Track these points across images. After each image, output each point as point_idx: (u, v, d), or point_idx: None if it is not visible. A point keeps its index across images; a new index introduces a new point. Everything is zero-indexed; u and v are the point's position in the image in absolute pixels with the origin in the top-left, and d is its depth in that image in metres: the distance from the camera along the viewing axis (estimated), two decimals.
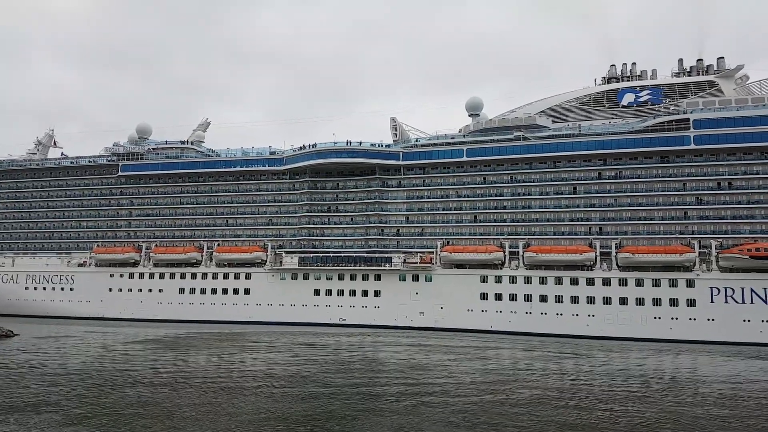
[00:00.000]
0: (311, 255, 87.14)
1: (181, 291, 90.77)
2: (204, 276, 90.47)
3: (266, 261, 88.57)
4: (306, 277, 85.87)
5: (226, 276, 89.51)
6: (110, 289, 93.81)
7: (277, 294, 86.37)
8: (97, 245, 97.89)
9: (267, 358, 50.65)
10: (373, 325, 79.98)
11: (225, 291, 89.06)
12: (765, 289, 67.47)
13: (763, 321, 66.99)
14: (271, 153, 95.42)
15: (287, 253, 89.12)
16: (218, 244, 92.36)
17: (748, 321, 67.44)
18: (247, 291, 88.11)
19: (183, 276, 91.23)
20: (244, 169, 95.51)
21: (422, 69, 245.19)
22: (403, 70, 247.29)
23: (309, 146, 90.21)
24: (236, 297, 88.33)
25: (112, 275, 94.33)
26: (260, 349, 57.47)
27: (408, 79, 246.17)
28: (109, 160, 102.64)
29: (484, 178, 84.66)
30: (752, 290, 68.08)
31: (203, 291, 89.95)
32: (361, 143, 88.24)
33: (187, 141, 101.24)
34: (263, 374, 41.57)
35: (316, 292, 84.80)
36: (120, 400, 31.61)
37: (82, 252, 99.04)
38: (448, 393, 34.37)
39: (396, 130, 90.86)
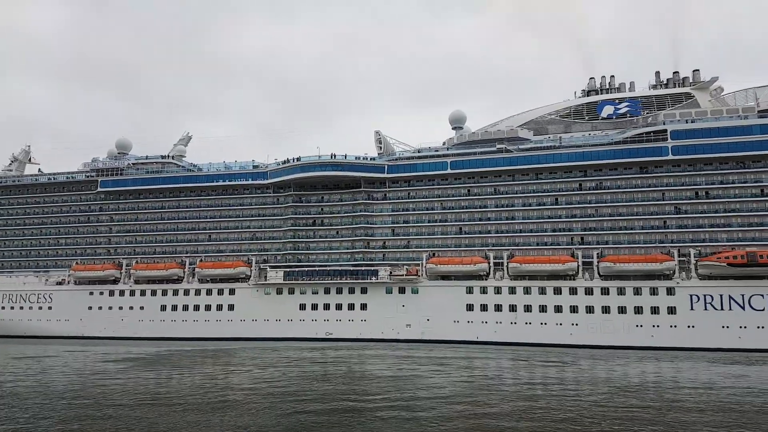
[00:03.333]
0: (296, 269, 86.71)
1: (163, 308, 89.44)
2: (186, 292, 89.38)
3: (250, 276, 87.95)
4: (291, 291, 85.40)
5: (209, 292, 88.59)
6: (90, 308, 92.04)
7: (262, 309, 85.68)
8: (76, 263, 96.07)
9: (252, 375, 49.95)
10: (360, 338, 79.71)
11: (208, 307, 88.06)
12: (742, 295, 69.18)
13: (740, 327, 68.57)
14: (255, 167, 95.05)
15: (272, 267, 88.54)
16: (201, 260, 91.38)
17: (727, 327, 69.02)
18: (231, 307, 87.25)
19: (165, 293, 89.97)
20: (226, 183, 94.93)
21: (405, 82, 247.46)
22: (385, 83, 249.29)
23: (293, 160, 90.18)
24: (220, 313, 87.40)
25: (91, 293, 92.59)
26: (245, 366, 56.75)
27: (390, 93, 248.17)
28: (88, 176, 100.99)
29: (468, 190, 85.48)
30: (730, 297, 69.73)
31: (185, 308, 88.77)
32: (346, 156, 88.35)
33: (168, 155, 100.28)
34: (248, 391, 40.95)
35: (302, 307, 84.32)
36: (98, 422, 30.88)
37: (60, 270, 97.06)
38: (437, 407, 34.24)
39: (380, 143, 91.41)
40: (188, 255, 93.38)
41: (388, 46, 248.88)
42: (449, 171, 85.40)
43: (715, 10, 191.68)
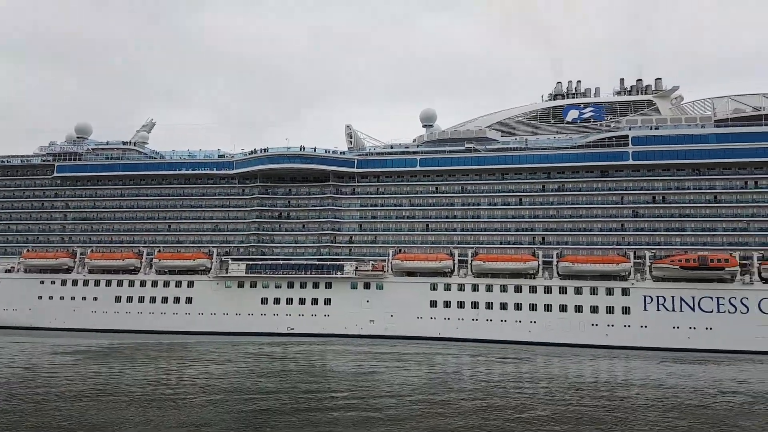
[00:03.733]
0: (259, 262, 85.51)
1: (118, 299, 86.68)
2: (143, 284, 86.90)
3: (211, 268, 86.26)
4: (253, 285, 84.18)
5: (166, 284, 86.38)
6: (40, 297, 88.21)
7: (222, 303, 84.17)
8: (27, 250, 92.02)
9: (207, 370, 48.85)
10: (323, 334, 79.31)
11: (165, 300, 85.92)
12: (693, 297, 72.22)
13: (690, 328, 71.55)
14: (220, 156, 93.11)
15: (234, 260, 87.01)
16: (159, 251, 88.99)
17: (678, 328, 71.90)
18: (189, 300, 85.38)
19: (120, 283, 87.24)
20: (190, 172, 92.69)
21: (377, 78, 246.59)
22: (357, 78, 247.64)
23: (261, 150, 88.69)
24: (177, 306, 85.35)
25: (42, 282, 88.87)
26: (201, 361, 55.55)
27: (362, 88, 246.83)
28: (44, 160, 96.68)
29: (437, 188, 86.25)
30: (681, 299, 72.70)
31: (141, 299, 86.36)
32: (315, 149, 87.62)
33: (130, 142, 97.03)
34: (201, 386, 39.98)
35: (264, 301, 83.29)
36: (45, 416, 29.78)
37: (9, 257, 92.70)
38: (395, 406, 33.84)
39: (351, 137, 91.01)
40: (146, 245, 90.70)
41: (363, 40, 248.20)
42: (418, 168, 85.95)
43: (679, 21, 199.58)
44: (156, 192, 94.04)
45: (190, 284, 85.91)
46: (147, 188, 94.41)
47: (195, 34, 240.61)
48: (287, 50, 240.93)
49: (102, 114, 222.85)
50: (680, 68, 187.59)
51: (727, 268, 71.48)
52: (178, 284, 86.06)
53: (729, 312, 71.10)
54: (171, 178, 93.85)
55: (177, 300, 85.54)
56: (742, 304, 71.06)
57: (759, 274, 71.87)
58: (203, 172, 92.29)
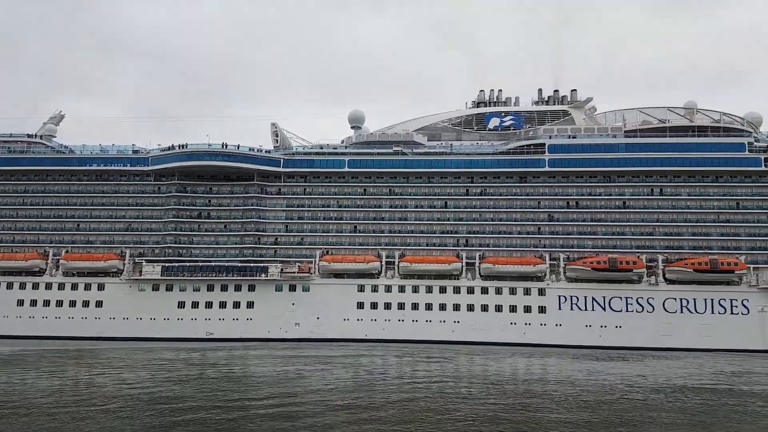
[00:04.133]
0: (177, 264, 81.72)
1: (20, 303, 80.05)
2: (48, 286, 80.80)
3: (123, 270, 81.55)
4: (170, 288, 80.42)
5: (74, 286, 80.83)
6: None
7: (136, 307, 79.79)
8: None
9: (119, 378, 45.73)
10: (245, 338, 77.00)
11: (73, 303, 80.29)
12: (604, 297, 76.79)
13: (602, 326, 75.97)
14: (135, 152, 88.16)
15: (148, 261, 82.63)
16: (67, 251, 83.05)
17: (590, 326, 76.13)
18: (99, 303, 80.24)
19: (23, 286, 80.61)
20: (101, 168, 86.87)
21: (304, 77, 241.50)
22: (283, 76, 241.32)
23: (179, 147, 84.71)
24: (86, 310, 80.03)
25: None
26: (112, 368, 52.10)
27: (289, 86, 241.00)
28: None
29: (365, 190, 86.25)
30: (593, 298, 77.11)
31: (47, 303, 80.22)
32: (238, 147, 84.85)
33: (36, 135, 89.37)
34: (112, 395, 37.34)
35: (181, 305, 79.75)
36: None
37: None
38: (318, 413, 32.87)
39: (277, 136, 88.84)
40: (53, 245, 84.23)
41: (291, 38, 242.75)
42: (347, 169, 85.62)
43: (595, 34, 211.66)
44: (64, 189, 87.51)
45: (101, 287, 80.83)
46: (54, 184, 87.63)
47: (108, 23, 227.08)
48: (206, 43, 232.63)
49: (6, 105, 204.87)
50: (594, 80, 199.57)
51: (635, 270, 76.50)
52: (88, 287, 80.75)
53: (637, 311, 76.03)
54: (81, 174, 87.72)
55: (86, 304, 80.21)
56: (649, 303, 76.20)
57: (664, 275, 77.28)
58: (116, 168, 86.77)
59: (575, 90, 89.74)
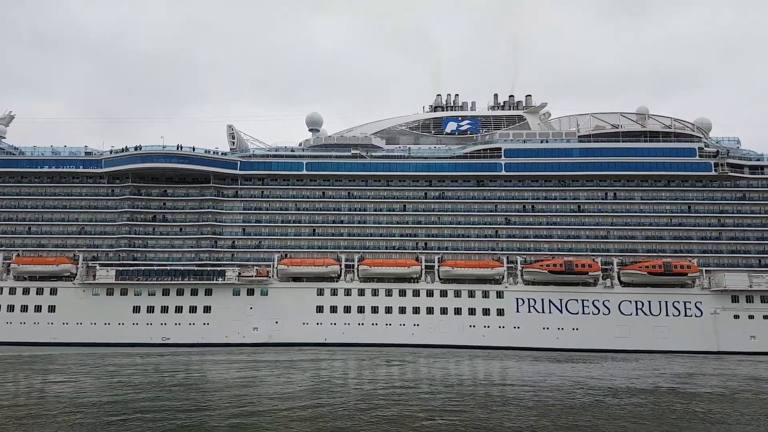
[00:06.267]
0: (131, 268, 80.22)
1: None
2: None
3: (76, 274, 79.72)
4: (124, 292, 78.87)
5: (26, 291, 78.79)
6: None
7: (89, 311, 78.05)
8: None
9: (69, 385, 44.54)
10: (202, 343, 75.98)
11: (24, 308, 78.20)
12: (561, 300, 77.85)
13: (559, 329, 77.00)
14: (87, 153, 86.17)
15: (102, 265, 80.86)
16: (18, 255, 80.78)
17: (547, 329, 77.11)
18: (51, 308, 78.31)
19: None
20: (53, 170, 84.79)
21: (258, 78, 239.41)
22: (238, 77, 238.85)
23: (133, 149, 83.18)
24: (38, 315, 78.04)
25: None
26: (63, 374, 50.79)
27: (243, 88, 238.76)
28: None
29: (323, 193, 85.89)
30: (550, 301, 78.11)
31: None
32: (194, 149, 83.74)
33: None
34: (61, 402, 36.43)
35: (136, 309, 78.28)
36: None
37: None
38: (275, 422, 31.98)
39: (233, 138, 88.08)
40: (3, 248, 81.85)
41: (245, 38, 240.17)
42: (305, 172, 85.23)
43: (549, 40, 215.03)
44: (14, 191, 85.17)
45: (53, 291, 78.90)
46: (4, 186, 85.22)
47: (60, 21, 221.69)
48: (163, 44, 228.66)
49: None
50: (548, 85, 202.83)
51: (590, 273, 77.83)
52: (40, 291, 78.77)
53: (593, 314, 77.28)
54: (32, 176, 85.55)
55: (38, 309, 78.27)
56: (604, 306, 77.53)
57: (618, 278, 78.77)
58: (68, 170, 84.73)
59: (530, 95, 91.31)
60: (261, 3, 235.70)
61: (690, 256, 79.84)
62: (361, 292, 78.88)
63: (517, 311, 77.90)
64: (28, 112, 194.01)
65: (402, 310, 78.31)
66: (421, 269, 79.83)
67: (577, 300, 77.71)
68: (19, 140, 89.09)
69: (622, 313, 77.25)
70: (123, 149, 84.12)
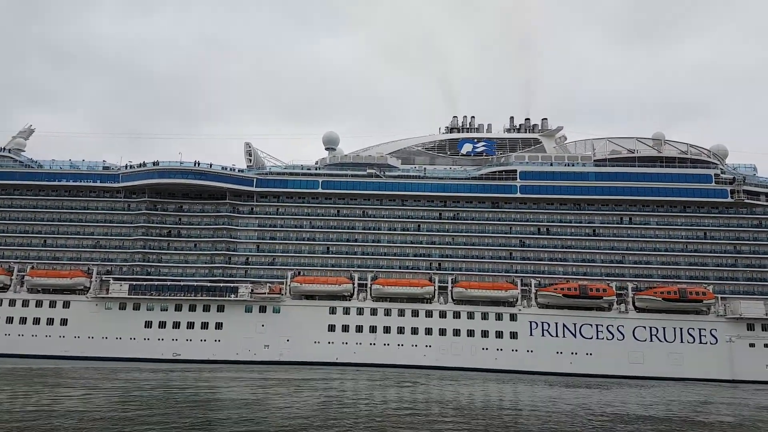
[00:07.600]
0: (144, 283, 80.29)
1: None
2: (12, 303, 78.94)
3: (89, 288, 79.90)
4: (137, 307, 78.91)
5: (39, 304, 79.06)
6: None
7: (100, 325, 78.08)
8: None
9: (80, 399, 44.20)
10: (213, 360, 75.64)
11: (37, 321, 78.39)
12: (575, 324, 77.05)
13: (572, 353, 76.05)
14: (105, 168, 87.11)
15: (116, 279, 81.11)
16: (32, 267, 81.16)
17: (561, 353, 76.17)
18: (64, 321, 78.43)
19: None
20: (71, 183, 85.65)
21: (276, 97, 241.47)
22: (255, 95, 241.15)
23: (151, 164, 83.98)
24: (50, 328, 78.15)
25: None
26: (73, 388, 50.52)
27: (260, 106, 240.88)
28: None
29: (338, 211, 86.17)
30: (564, 325, 77.31)
31: (10, 320, 78.33)
32: (211, 165, 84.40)
33: (4, 149, 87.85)
34: (71, 417, 36.17)
35: (148, 324, 78.22)
36: None
37: None
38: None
39: (251, 155, 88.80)
40: (18, 261, 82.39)
41: (261, 56, 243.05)
42: (320, 190, 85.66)
43: (563, 65, 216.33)
44: (32, 204, 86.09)
45: (66, 305, 79.09)
46: (22, 199, 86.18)
47: (80, 38, 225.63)
48: (181, 61, 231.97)
49: None
50: (559, 110, 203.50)
51: (605, 297, 77.19)
52: (53, 304, 78.99)
53: (607, 339, 76.40)
54: (49, 189, 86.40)
55: (50, 321, 78.38)
56: (619, 331, 76.64)
57: (633, 303, 78.01)
58: (85, 184, 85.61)
59: (546, 119, 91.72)
60: (274, 21, 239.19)
61: (705, 283, 79.16)
62: (374, 312, 78.47)
63: (531, 334, 77.13)
64: (48, 126, 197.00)
65: (414, 331, 77.75)
66: (435, 290, 79.42)
67: (591, 324, 76.94)
68: (39, 154, 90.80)
69: (636, 338, 76.38)
70: (140, 164, 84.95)
